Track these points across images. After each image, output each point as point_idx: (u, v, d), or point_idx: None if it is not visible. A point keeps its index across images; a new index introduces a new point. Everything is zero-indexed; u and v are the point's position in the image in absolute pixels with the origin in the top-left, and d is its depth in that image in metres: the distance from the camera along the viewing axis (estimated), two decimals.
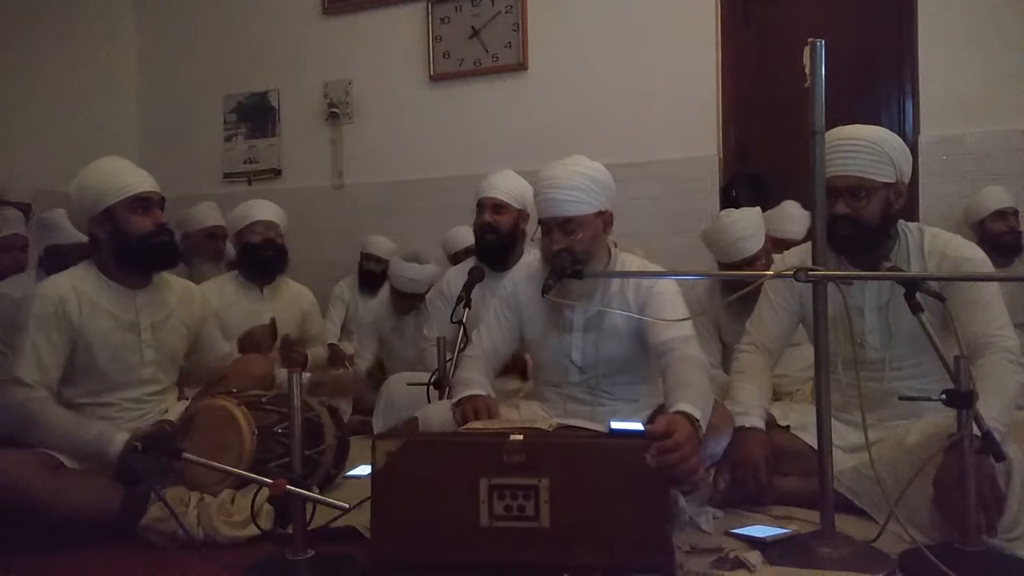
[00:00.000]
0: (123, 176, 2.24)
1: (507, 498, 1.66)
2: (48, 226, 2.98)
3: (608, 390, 2.24)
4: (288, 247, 3.35)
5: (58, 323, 2.16)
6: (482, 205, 3.04)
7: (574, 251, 2.10)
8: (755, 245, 2.91)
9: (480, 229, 3.04)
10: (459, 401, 2.09)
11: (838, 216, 2.04)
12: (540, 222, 2.19)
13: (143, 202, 2.24)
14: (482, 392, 2.12)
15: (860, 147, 2.03)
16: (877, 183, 2.04)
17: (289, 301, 3.35)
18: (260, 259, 3.22)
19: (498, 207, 3.01)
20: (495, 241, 2.98)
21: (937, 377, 1.94)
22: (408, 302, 3.78)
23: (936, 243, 2.12)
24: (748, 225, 2.93)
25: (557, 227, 2.12)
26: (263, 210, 3.26)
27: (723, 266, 3.00)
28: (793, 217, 3.69)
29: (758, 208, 3.15)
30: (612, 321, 2.19)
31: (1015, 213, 3.70)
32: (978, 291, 2.03)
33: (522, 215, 3.06)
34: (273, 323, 3.07)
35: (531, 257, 2.72)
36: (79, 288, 2.22)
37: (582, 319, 2.21)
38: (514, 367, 2.80)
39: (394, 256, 3.90)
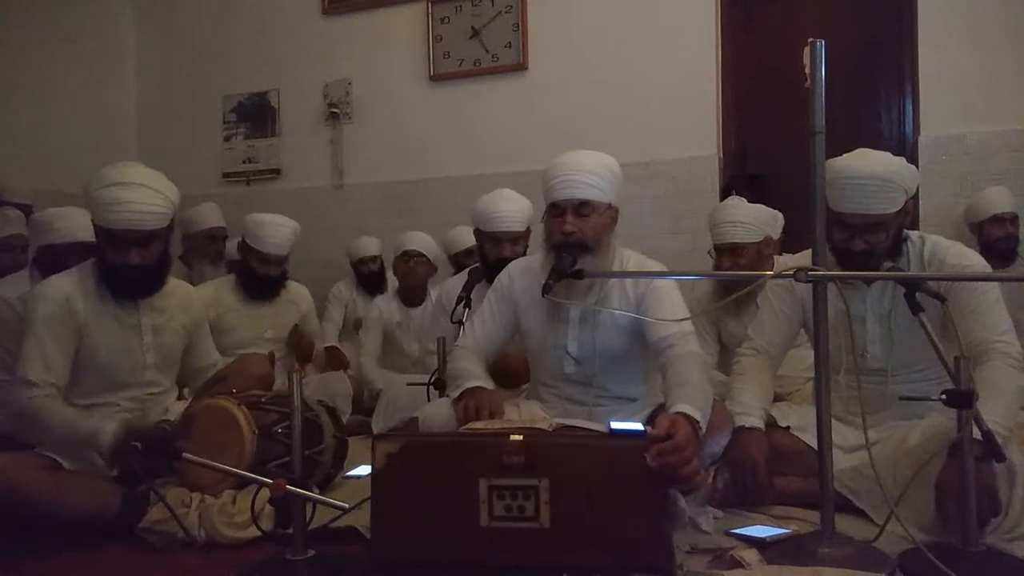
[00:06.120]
0: (117, 204, 2.12)
1: (507, 498, 1.66)
2: (42, 225, 2.97)
3: (604, 386, 2.23)
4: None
5: (64, 321, 2.17)
6: (498, 239, 2.84)
7: (585, 236, 2.09)
8: (744, 235, 2.94)
9: (498, 262, 2.76)
10: (459, 395, 2.07)
11: (855, 251, 2.06)
12: (552, 205, 2.14)
13: (127, 234, 2.16)
14: (481, 383, 2.10)
15: (877, 187, 2.03)
16: (892, 215, 2.06)
17: (288, 303, 3.36)
18: (258, 282, 3.25)
19: (516, 239, 2.87)
20: None
21: (939, 382, 1.94)
22: (417, 294, 3.78)
23: (937, 251, 2.13)
24: (743, 214, 2.95)
25: (572, 209, 2.10)
26: (279, 241, 3.20)
27: (717, 251, 3.03)
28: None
29: (777, 212, 3.15)
30: (609, 312, 2.19)
31: (1013, 219, 3.67)
32: (979, 297, 2.03)
33: (529, 235, 2.99)
34: (272, 356, 3.04)
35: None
36: (84, 287, 2.23)
37: (578, 309, 2.21)
38: (520, 376, 2.74)
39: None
